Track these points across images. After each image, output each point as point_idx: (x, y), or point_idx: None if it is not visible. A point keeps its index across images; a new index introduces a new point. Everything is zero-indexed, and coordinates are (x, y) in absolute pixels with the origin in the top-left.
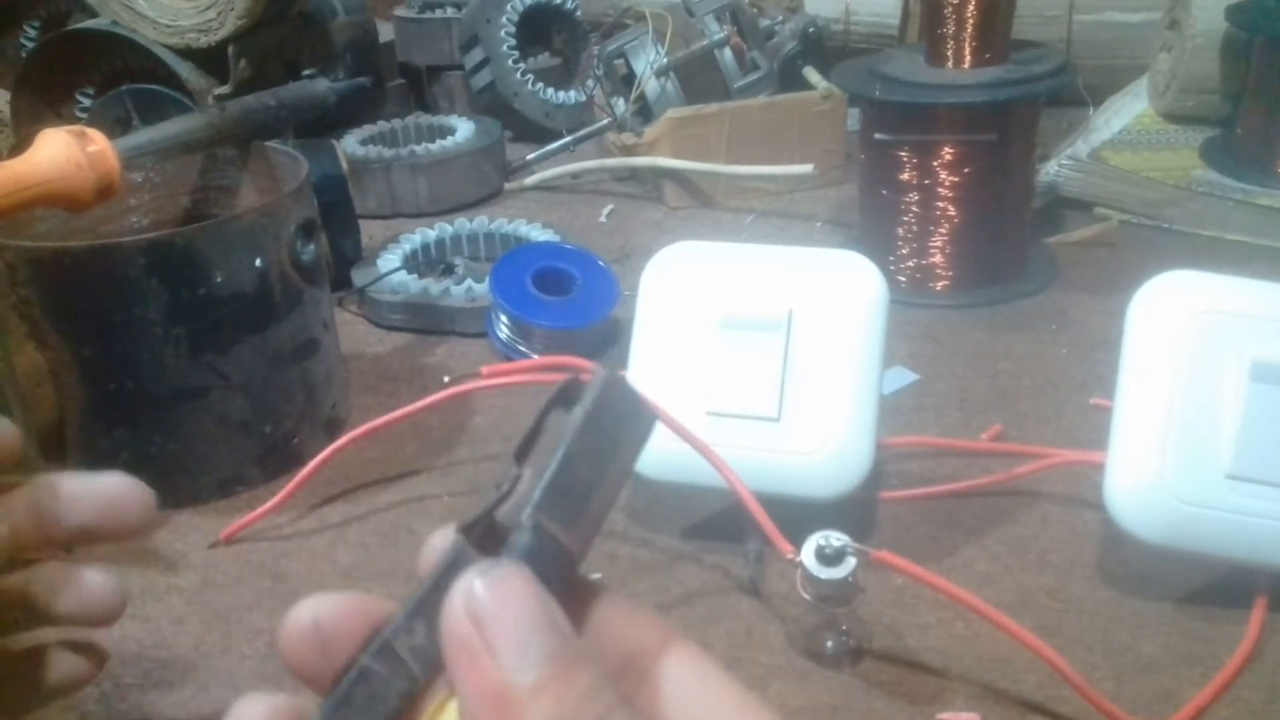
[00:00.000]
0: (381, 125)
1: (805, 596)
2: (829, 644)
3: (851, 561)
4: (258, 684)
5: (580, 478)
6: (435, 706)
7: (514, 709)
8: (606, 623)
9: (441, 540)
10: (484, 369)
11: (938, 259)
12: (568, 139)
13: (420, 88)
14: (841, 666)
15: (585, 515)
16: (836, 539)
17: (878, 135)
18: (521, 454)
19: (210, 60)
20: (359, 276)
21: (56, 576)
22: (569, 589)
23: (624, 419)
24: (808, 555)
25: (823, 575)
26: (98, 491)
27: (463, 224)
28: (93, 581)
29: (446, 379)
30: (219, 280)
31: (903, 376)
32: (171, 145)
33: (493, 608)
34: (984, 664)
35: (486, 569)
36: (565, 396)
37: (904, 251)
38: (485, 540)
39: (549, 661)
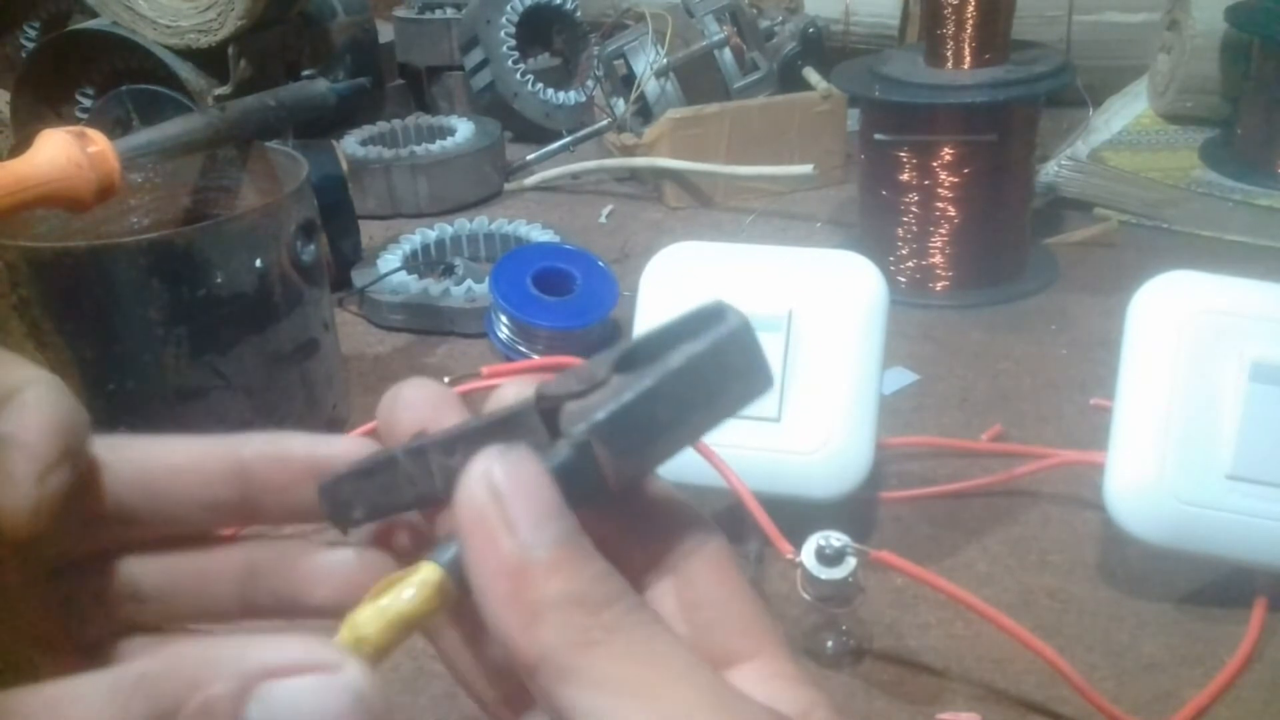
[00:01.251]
0: (381, 126)
1: (805, 597)
2: (829, 644)
3: (851, 562)
4: None
5: (657, 417)
6: (399, 577)
7: (529, 582)
8: (652, 519)
9: (514, 392)
10: (484, 369)
11: (937, 259)
12: (567, 139)
13: (420, 88)
14: (841, 666)
15: (643, 453)
16: (836, 539)
17: (878, 136)
18: (626, 361)
19: (210, 61)
20: (359, 277)
21: (290, 553)
22: (593, 509)
23: (733, 372)
24: (808, 555)
25: (823, 575)
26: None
27: (463, 224)
28: (342, 560)
29: (447, 379)
30: (219, 280)
31: (903, 376)
32: (171, 145)
33: (512, 486)
34: (984, 664)
35: (506, 451)
36: (698, 319)
37: (904, 252)
38: (548, 416)
39: (563, 543)
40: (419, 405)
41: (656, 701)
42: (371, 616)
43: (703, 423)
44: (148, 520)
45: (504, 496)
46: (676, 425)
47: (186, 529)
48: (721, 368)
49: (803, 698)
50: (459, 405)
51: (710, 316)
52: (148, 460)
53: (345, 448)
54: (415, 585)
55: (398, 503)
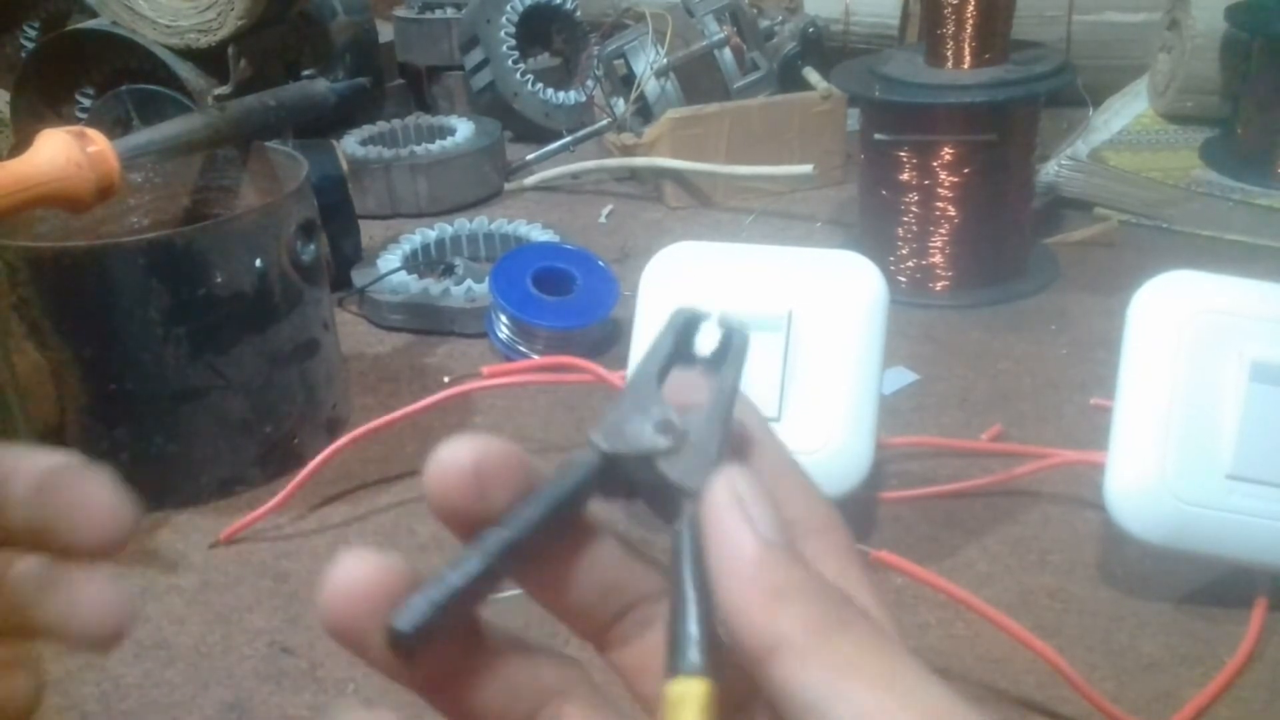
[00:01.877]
0: (381, 125)
1: None
2: None
3: None
4: (258, 684)
5: (729, 435)
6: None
7: (773, 567)
8: None
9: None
10: (485, 369)
11: (938, 259)
12: (568, 139)
13: (420, 88)
14: None
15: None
16: None
17: (877, 135)
18: (672, 420)
19: (210, 60)
20: (359, 277)
21: (36, 576)
22: None
23: (740, 374)
24: None
25: None
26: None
27: (463, 224)
28: (90, 591)
29: (447, 379)
30: (219, 280)
31: (903, 376)
32: (171, 145)
33: (751, 492)
34: (984, 664)
35: (743, 468)
36: (683, 333)
37: (904, 252)
38: (609, 481)
39: (782, 536)
40: (499, 469)
41: (896, 692)
42: None
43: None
44: None
45: (745, 499)
46: (729, 430)
47: None
48: (740, 373)
49: None
50: (520, 453)
51: (687, 323)
52: None
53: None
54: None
55: (473, 605)
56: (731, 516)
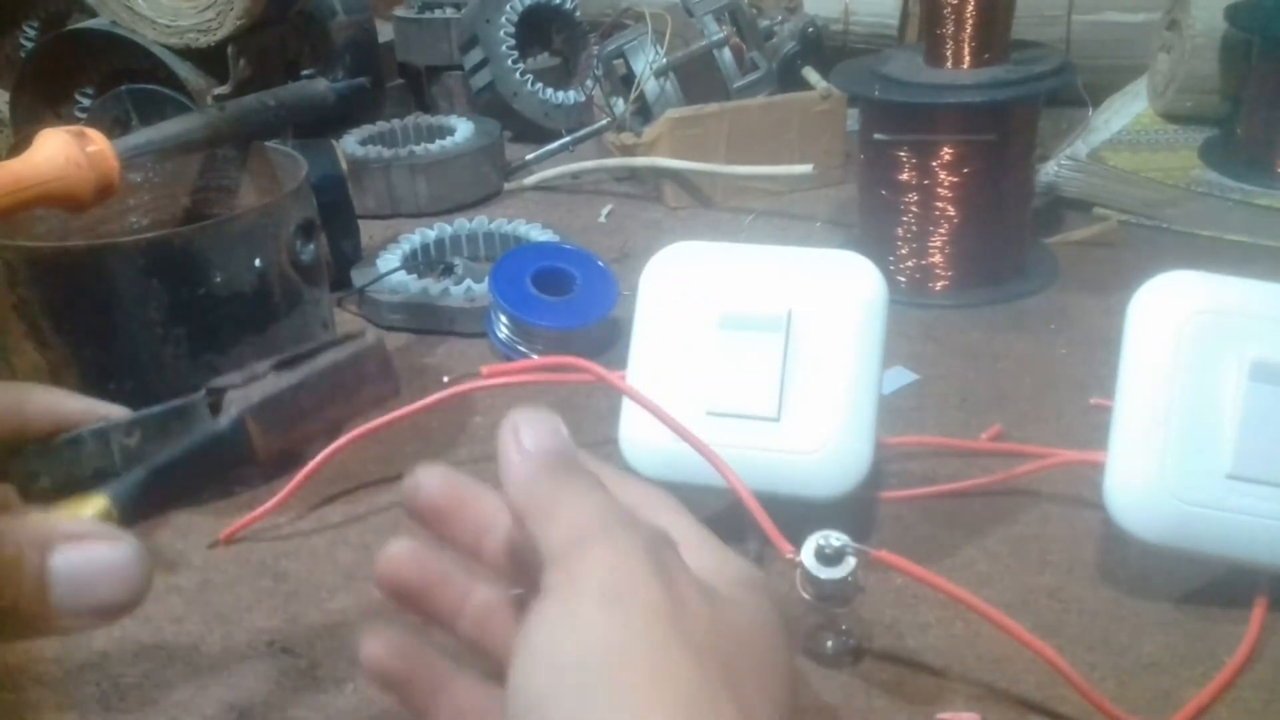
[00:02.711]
0: (381, 125)
1: (805, 596)
2: (829, 644)
3: (851, 561)
4: (258, 685)
5: (300, 405)
6: (74, 503)
7: (527, 463)
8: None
9: None
10: (484, 369)
11: (937, 259)
12: (567, 139)
13: (420, 88)
14: (841, 666)
15: (285, 431)
16: (836, 539)
17: (877, 135)
18: (283, 364)
19: (210, 60)
20: (359, 276)
21: (41, 538)
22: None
23: (367, 377)
24: (808, 555)
25: (823, 575)
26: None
27: (462, 224)
28: (100, 554)
29: (446, 379)
30: (219, 280)
31: (903, 376)
32: (171, 145)
33: (526, 420)
34: (984, 664)
35: (529, 411)
36: (347, 337)
37: (904, 251)
38: (214, 406)
39: (543, 446)
40: (438, 496)
41: (595, 525)
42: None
43: (340, 413)
44: None
45: (519, 426)
46: (315, 413)
47: None
48: (357, 373)
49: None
50: (473, 486)
51: (355, 335)
52: None
53: (111, 410)
54: (88, 511)
55: (80, 476)
56: (506, 444)
